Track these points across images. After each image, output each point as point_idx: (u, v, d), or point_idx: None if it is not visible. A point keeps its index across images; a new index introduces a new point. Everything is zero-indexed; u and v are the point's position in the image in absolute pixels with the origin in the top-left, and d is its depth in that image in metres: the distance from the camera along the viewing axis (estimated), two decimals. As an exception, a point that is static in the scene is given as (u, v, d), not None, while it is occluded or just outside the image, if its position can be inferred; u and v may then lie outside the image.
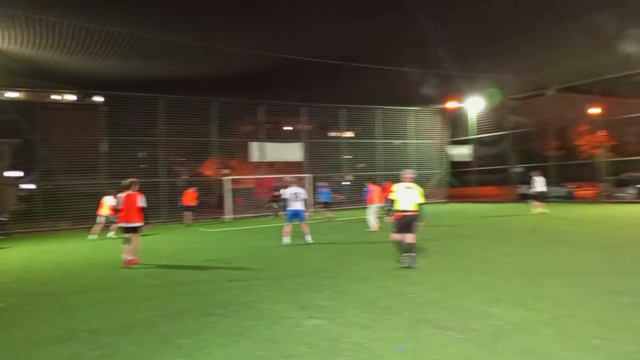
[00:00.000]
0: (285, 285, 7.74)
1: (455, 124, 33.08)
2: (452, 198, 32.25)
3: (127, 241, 10.54)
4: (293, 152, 28.05)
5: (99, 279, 9.42)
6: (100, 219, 17.31)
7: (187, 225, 20.59)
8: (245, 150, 27.20)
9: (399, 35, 16.72)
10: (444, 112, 32.89)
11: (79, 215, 20.81)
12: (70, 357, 4.86)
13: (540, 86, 27.97)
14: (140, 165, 25.31)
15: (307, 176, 26.30)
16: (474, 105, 31.21)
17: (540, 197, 19.62)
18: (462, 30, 16.50)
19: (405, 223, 8.75)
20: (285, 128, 33.14)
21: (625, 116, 28.64)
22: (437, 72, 20.89)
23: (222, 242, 15.28)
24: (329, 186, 21.16)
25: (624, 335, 4.69)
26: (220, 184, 25.01)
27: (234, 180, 25.38)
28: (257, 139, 27.10)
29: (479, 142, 32.11)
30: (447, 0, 13.71)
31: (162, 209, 23.07)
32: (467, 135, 32.26)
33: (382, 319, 5.62)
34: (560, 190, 29.18)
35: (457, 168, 33.00)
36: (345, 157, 30.16)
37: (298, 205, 12.79)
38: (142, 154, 25.84)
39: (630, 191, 25.79)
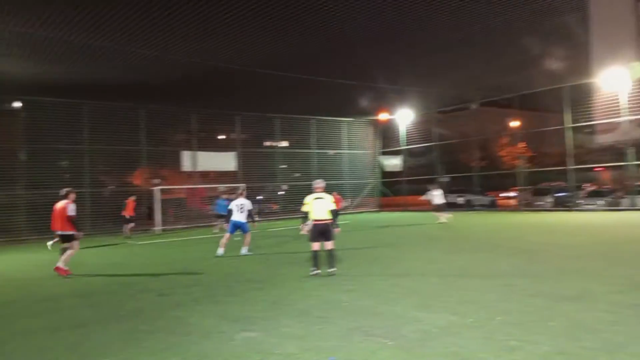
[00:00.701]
0: (217, 299, 7.59)
1: (386, 135, 34.09)
2: (383, 207, 33.13)
3: (61, 250, 10.64)
4: (227, 161, 27.69)
5: (11, 296, 8.78)
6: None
7: (126, 237, 19.69)
8: (177, 159, 26.50)
9: (331, 48, 16.99)
10: (376, 124, 33.80)
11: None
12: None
13: (464, 100, 29.45)
14: (65, 175, 23.94)
15: (242, 186, 25.95)
16: (403, 118, 32.30)
17: (440, 208, 20.56)
18: (391, 46, 17.05)
19: (320, 231, 9.13)
20: (219, 137, 32.64)
21: (541, 129, 30.78)
22: (368, 84, 21.43)
23: (152, 254, 14.76)
24: (229, 199, 20.61)
25: (540, 336, 5.00)
26: (150, 194, 24.16)
27: (164, 191, 24.64)
28: (189, 148, 26.50)
29: (408, 153, 33.24)
30: (377, 17, 14.13)
31: (87, 220, 21.95)
32: (397, 146, 33.29)
33: (315, 329, 5.65)
34: (484, 199, 30.84)
35: (389, 178, 34.00)
36: (280, 166, 30.15)
37: (241, 217, 12.69)
38: (64, 163, 24.48)
39: (548, 200, 27.65)
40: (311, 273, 9.06)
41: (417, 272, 9.21)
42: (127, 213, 19.95)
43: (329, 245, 9.17)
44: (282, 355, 4.80)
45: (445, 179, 32.29)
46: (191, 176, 27.38)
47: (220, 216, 19.94)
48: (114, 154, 24.43)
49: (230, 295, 7.81)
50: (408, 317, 5.97)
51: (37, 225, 20.84)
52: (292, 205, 29.59)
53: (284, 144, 31.67)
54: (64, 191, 10.75)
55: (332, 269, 9.07)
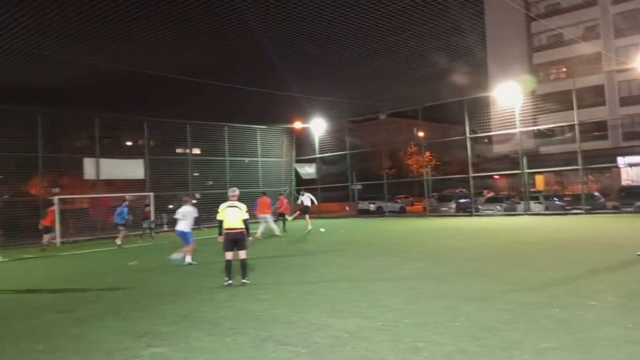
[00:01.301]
0: (122, 314, 7.21)
1: (300, 144, 34.41)
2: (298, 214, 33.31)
3: None
4: (133, 169, 26.36)
5: None
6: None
7: (42, 249, 18.06)
8: (79, 167, 24.83)
9: (246, 57, 16.96)
10: (291, 132, 34.02)
11: None
12: None
13: (374, 110, 30.58)
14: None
15: (150, 194, 24.93)
16: (317, 126, 32.81)
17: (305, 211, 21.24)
18: (306, 57, 17.40)
19: (233, 240, 9.04)
20: (125, 143, 31.12)
21: (444, 139, 32.69)
22: (282, 93, 21.60)
23: (50, 268, 13.70)
24: (126, 205, 19.81)
25: (444, 337, 5.29)
26: (48, 204, 22.44)
27: (64, 200, 23.03)
28: (92, 155, 24.96)
29: (322, 161, 33.79)
30: (291, 29, 14.36)
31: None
32: (311, 155, 33.72)
33: (227, 341, 5.56)
34: (394, 206, 32.12)
35: (303, 185, 34.27)
36: (192, 174, 29.30)
37: (182, 226, 12.22)
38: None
39: (451, 206, 29.37)
40: (225, 283, 8.91)
41: (330, 278, 9.37)
42: (47, 222, 18.49)
43: (242, 254, 9.04)
44: (192, 370, 4.67)
45: (357, 186, 33.23)
46: (95, 185, 25.79)
47: (121, 225, 18.99)
48: (7, 160, 22.45)
49: (137, 310, 7.46)
50: (320, 323, 6.05)
51: None
52: (206, 214, 28.91)
53: (197, 151, 30.86)
54: None
55: (245, 279, 8.97)
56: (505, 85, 25.51)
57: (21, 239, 20.34)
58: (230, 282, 8.91)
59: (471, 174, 26.68)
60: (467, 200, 28.46)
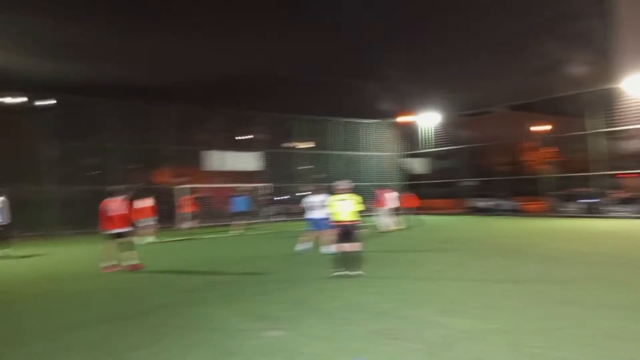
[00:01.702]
0: (243, 297, 7.72)
1: (410, 138, 33.89)
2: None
3: (119, 247, 10.82)
4: (249, 161, 27.95)
5: (47, 290, 9.07)
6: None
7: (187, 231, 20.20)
8: (200, 158, 26.85)
9: (359, 51, 17.07)
10: (400, 126, 33.65)
11: (24, 223, 19.88)
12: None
13: (490, 103, 29.14)
14: (93, 172, 24.53)
15: (263, 185, 26.25)
16: (428, 120, 32.08)
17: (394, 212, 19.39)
18: (417, 49, 17.04)
19: (345, 233, 9.16)
20: (243, 137, 32.96)
21: (567, 134, 30.22)
22: (392, 86, 21.40)
23: (176, 252, 14.98)
24: (246, 195, 20.73)
25: (566, 345, 4.96)
26: (172, 193, 24.54)
27: (189, 190, 24.97)
28: (215, 148, 26.84)
29: (433, 156, 33.01)
30: (404, 22, 14.15)
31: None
32: (422, 149, 33.09)
33: (341, 330, 5.71)
34: (509, 204, 30.43)
35: (412, 180, 33.75)
36: (301, 167, 30.28)
37: (315, 214, 12.51)
38: (93, 160, 25.07)
39: (574, 206, 27.15)
40: (335, 274, 9.13)
41: (442, 276, 9.18)
42: (187, 209, 20.63)
43: (354, 247, 9.15)
44: (310, 355, 4.88)
45: (470, 182, 31.99)
46: (215, 175, 27.71)
47: (236, 214, 20.08)
48: (139, 152, 24.90)
49: (256, 294, 7.93)
50: (432, 321, 5.99)
51: (68, 221, 21.42)
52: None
53: (305, 145, 31.80)
54: (118, 188, 11.07)
55: (356, 272, 9.08)
56: (638, 75, 22.98)
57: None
58: (342, 273, 9.11)
59: (599, 172, 24.46)
60: (594, 200, 26.12)
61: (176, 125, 25.18)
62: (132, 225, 11.19)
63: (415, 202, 21.66)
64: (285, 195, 23.81)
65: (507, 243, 14.63)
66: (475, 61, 18.14)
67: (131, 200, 11.16)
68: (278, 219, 26.99)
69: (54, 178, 21.78)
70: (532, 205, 31.96)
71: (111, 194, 10.93)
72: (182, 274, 10.45)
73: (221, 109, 26.28)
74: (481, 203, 31.28)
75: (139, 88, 20.45)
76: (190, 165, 28.68)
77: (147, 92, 21.56)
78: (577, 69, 19.91)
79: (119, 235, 10.79)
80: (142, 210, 16.96)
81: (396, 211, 20.47)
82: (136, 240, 15.78)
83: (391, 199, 19.61)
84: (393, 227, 18.86)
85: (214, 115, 26.42)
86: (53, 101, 22.54)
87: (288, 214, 29.88)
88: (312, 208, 12.66)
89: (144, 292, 8.54)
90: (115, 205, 10.79)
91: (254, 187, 26.75)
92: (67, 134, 22.12)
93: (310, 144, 32.09)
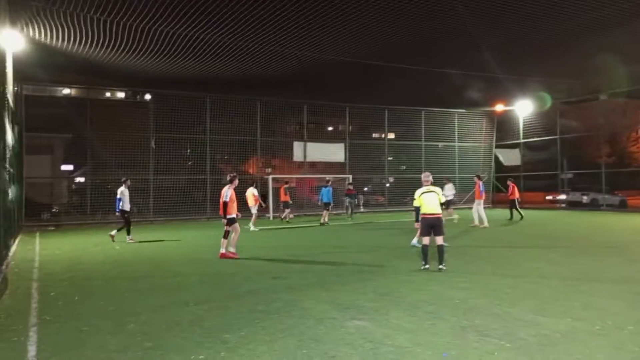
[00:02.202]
0: (328, 286, 7.80)
1: (502, 128, 32.25)
2: (498, 203, 31.43)
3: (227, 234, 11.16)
4: (335, 152, 28.14)
5: (147, 272, 9.75)
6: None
7: (287, 222, 21.19)
8: (288, 149, 27.48)
9: (445, 38, 16.43)
10: (491, 115, 32.12)
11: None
12: (120, 349, 4.94)
13: (592, 90, 26.91)
14: (187, 163, 25.98)
15: (349, 176, 26.34)
16: (522, 109, 30.32)
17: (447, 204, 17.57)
18: (510, 33, 16.05)
19: (431, 225, 9.02)
20: (328, 128, 33.26)
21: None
22: (484, 75, 20.42)
23: (264, 240, 15.43)
24: (329, 185, 20.61)
25: (681, 352, 4.50)
26: (264, 182, 25.36)
27: (276, 180, 25.65)
28: (300, 139, 27.33)
29: (526, 147, 31.23)
30: (496, 3, 13.35)
31: (208, 205, 23.67)
32: (514, 139, 31.41)
33: (426, 324, 5.59)
34: (612, 199, 28.09)
35: (504, 172, 32.16)
36: (387, 158, 29.96)
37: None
38: (188, 151, 26.51)
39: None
40: (421, 267, 8.97)
41: (535, 273, 8.68)
42: (282, 198, 21.43)
43: (439, 240, 9.00)
44: (394, 347, 4.82)
45: (568, 175, 29.93)
46: (301, 166, 28.24)
47: (326, 204, 20.22)
48: (231, 143, 25.96)
49: (341, 283, 7.98)
50: (526, 319, 5.67)
51: (162, 208, 22.89)
52: (398, 197, 29.34)
53: (392, 135, 31.38)
54: (228, 177, 11.47)
55: (442, 265, 8.89)
56: None
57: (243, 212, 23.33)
58: (427, 266, 8.94)
59: None
60: None
61: (263, 117, 25.89)
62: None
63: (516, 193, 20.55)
64: (366, 187, 23.50)
65: (608, 240, 13.55)
66: (576, 44, 16.71)
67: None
68: (360, 211, 26.96)
69: (153, 168, 23.25)
70: (638, 200, 29.24)
71: (231, 181, 11.26)
72: (273, 261, 10.75)
73: (308, 100, 26.59)
74: (580, 197, 29.17)
75: (231, 81, 21.09)
76: (278, 156, 29.50)
77: (239, 84, 22.20)
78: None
79: (233, 221, 11.17)
80: (247, 199, 17.87)
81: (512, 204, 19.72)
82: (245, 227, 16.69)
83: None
84: (484, 223, 17.67)
85: (301, 106, 26.81)
86: (150, 96, 24.07)
87: (371, 204, 29.77)
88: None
89: (233, 277, 8.89)
90: (230, 192, 11.12)
91: (340, 178, 26.92)
92: (164, 126, 23.53)
93: (397, 134, 31.64)
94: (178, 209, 23.08)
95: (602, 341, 4.87)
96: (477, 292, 7.19)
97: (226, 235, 11.13)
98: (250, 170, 28.31)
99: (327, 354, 4.68)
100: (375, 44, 16.77)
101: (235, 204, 11.28)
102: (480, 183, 18.44)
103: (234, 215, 11.20)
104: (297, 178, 28.89)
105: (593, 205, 27.81)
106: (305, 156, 27.03)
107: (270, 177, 25.19)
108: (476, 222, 17.83)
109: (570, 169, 30.00)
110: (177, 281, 8.59)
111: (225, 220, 11.08)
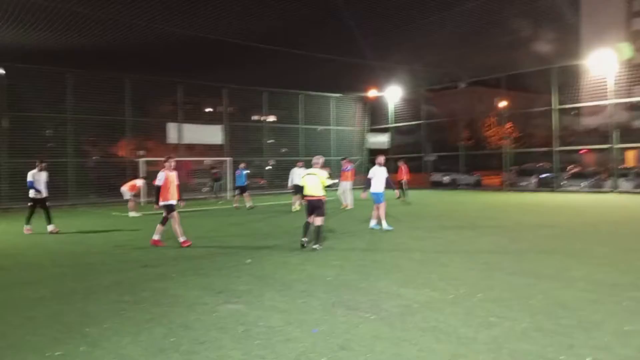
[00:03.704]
0: (201, 271, 7.62)
1: (374, 112, 33.94)
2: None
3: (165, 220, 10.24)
4: (213, 134, 27.43)
5: (5, 262, 8.73)
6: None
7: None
8: (162, 131, 26.16)
9: (320, 23, 16.77)
10: (364, 101, 33.61)
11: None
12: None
13: (453, 79, 29.36)
14: (47, 144, 23.54)
15: (228, 159, 25.86)
16: (392, 95, 32.15)
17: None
18: (381, 22, 16.87)
19: (312, 207, 9.34)
20: (205, 110, 32.29)
21: (528, 110, 30.93)
22: (356, 61, 21.24)
23: (139, 225, 14.62)
24: (246, 168, 19.87)
25: (519, 313, 5.12)
26: (134, 165, 23.89)
27: (149, 163, 24.35)
28: (175, 120, 26.16)
29: (396, 131, 33.21)
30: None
31: (70, 190, 21.79)
32: (385, 124, 33.21)
33: (299, 302, 5.72)
34: (469, 179, 31.11)
35: (376, 155, 33.99)
36: (267, 141, 29.95)
37: (379, 187, 11.97)
38: (47, 131, 24.05)
39: (532, 180, 27.99)
40: (301, 239, 9.33)
41: (401, 248, 9.32)
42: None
43: (317, 221, 9.27)
44: (266, 328, 4.86)
45: (432, 157, 32.43)
46: (177, 149, 27.10)
47: (241, 188, 19.23)
48: (98, 124, 24.06)
49: (215, 268, 7.84)
50: (390, 292, 6.07)
51: (17, 195, 20.57)
52: (279, 180, 29.58)
53: (272, 118, 31.41)
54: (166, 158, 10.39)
55: (317, 245, 9.15)
56: (599, 53, 23.53)
57: (111, 197, 21.80)
58: (306, 239, 9.28)
59: (556, 148, 25.20)
60: (550, 175, 26.96)
61: (134, 96, 24.32)
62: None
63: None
64: (247, 170, 23.20)
65: (465, 216, 14.97)
66: (441, 35, 18.12)
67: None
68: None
69: (6, 150, 20.80)
70: (492, 180, 32.76)
71: (165, 163, 10.32)
72: (143, 249, 10.19)
73: (183, 79, 25.49)
74: (442, 178, 31.88)
75: (95, 55, 19.42)
76: (152, 138, 27.98)
77: (104, 60, 20.54)
78: (542, 45, 20.23)
79: (169, 208, 10.18)
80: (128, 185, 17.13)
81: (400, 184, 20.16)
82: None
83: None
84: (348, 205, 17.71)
85: (175, 85, 25.61)
86: (2, 71, 21.33)
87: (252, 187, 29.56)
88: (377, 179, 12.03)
89: (97, 266, 8.31)
90: (164, 175, 10.12)
91: (215, 161, 26.33)
92: (19, 103, 21.07)
93: (277, 117, 31.74)
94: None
95: (455, 308, 5.37)
96: (347, 268, 7.52)
97: (164, 222, 10.22)
98: (120, 153, 26.52)
99: (197, 339, 4.58)
100: (254, 25, 16.58)
101: (172, 189, 10.12)
102: (350, 165, 18.82)
103: (171, 202, 10.10)
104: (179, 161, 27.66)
105: (452, 185, 30.54)
106: (180, 138, 25.97)
107: (141, 160, 23.81)
108: (347, 202, 17.93)
109: (434, 151, 32.57)
110: (31, 273, 7.80)
111: (157, 206, 10.12)
